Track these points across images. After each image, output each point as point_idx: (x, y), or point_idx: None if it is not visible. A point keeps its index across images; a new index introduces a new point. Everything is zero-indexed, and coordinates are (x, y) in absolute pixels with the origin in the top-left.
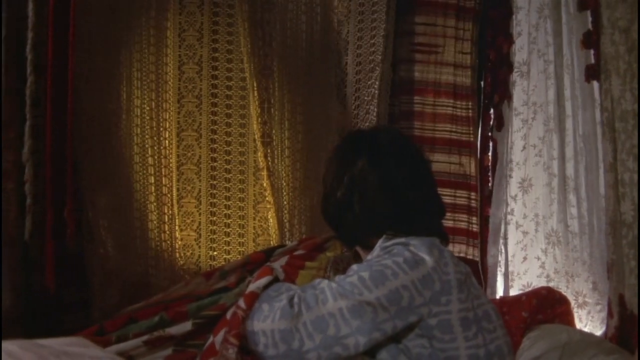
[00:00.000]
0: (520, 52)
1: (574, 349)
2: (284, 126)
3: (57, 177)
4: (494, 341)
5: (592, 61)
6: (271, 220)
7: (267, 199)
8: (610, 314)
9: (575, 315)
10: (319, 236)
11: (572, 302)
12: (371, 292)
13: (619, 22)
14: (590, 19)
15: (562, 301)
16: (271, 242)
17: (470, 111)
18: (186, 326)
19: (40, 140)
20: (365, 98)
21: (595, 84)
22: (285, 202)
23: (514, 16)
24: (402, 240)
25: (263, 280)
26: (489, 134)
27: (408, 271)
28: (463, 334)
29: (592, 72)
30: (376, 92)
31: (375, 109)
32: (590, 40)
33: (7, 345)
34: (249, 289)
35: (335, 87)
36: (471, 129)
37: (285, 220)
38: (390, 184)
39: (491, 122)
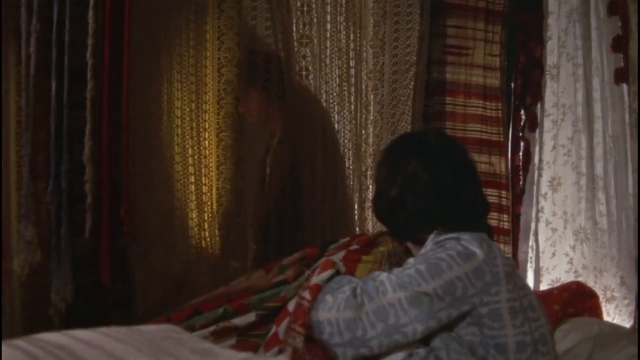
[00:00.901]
0: (550, 55)
1: (605, 340)
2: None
3: (114, 178)
4: (538, 329)
5: (622, 64)
6: None
7: None
8: (637, 308)
9: (603, 309)
10: (370, 233)
11: (600, 296)
12: (428, 283)
13: None
14: (619, 24)
15: (592, 295)
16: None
17: (499, 112)
18: (249, 317)
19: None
20: (402, 98)
21: (625, 86)
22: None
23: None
24: (454, 235)
25: (326, 274)
26: (520, 134)
27: (461, 263)
28: (511, 322)
29: (622, 75)
30: (411, 92)
31: (411, 109)
32: (620, 44)
33: (102, 333)
34: (313, 281)
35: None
36: (501, 129)
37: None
38: (440, 183)
39: (522, 123)
